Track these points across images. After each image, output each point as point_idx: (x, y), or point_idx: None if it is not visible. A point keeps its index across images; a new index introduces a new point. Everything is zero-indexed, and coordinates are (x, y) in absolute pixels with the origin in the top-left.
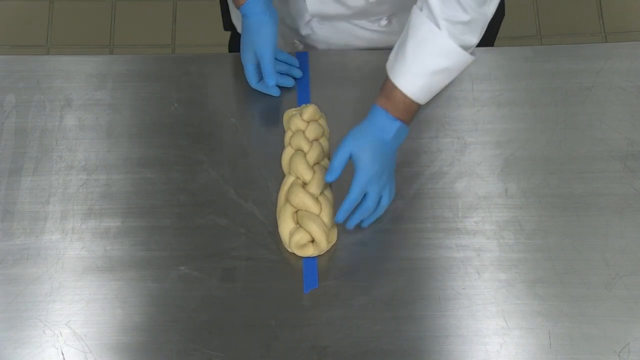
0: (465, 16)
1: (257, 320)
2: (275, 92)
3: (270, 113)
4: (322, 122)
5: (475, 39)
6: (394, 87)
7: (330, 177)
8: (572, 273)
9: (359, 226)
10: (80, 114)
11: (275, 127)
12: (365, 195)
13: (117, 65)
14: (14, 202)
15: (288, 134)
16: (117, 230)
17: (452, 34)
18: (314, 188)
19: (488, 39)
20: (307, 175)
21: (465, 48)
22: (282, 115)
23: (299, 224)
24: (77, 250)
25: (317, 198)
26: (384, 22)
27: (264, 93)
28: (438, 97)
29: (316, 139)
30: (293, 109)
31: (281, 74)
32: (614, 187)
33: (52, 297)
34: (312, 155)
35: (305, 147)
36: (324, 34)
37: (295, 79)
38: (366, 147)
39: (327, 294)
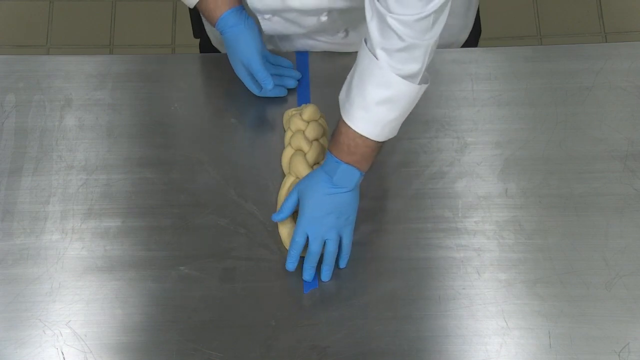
0: (401, 43)
1: (257, 320)
2: (280, 92)
3: (270, 113)
4: (322, 122)
5: (418, 65)
6: (341, 123)
7: (277, 217)
8: (572, 273)
9: (337, 266)
10: (80, 114)
11: (275, 127)
12: (308, 239)
13: (117, 65)
14: (14, 202)
15: (288, 134)
16: (117, 230)
17: (389, 63)
18: None
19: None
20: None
21: (408, 77)
22: (282, 115)
23: None
24: (77, 250)
25: None
26: (341, 34)
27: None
28: (438, 97)
29: (316, 139)
30: (293, 109)
31: (277, 75)
32: (614, 187)
33: (52, 297)
34: (312, 155)
35: (305, 147)
36: (290, 46)
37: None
38: (309, 191)
39: (327, 294)
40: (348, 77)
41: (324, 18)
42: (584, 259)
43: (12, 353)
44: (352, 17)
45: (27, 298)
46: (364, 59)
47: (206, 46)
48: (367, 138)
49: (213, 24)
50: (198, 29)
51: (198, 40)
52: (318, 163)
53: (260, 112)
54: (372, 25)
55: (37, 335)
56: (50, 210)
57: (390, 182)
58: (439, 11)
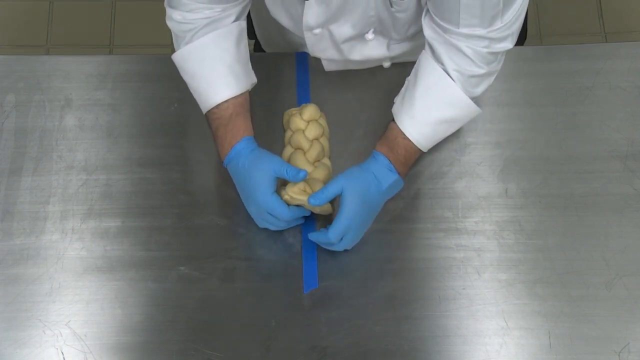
0: (479, 70)
1: (257, 320)
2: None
3: (270, 113)
4: (322, 121)
5: (482, 89)
6: (399, 134)
7: (314, 202)
8: (572, 273)
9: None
10: (80, 114)
11: (275, 127)
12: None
13: (117, 65)
14: (14, 202)
15: (288, 134)
16: (117, 230)
17: (464, 85)
18: (317, 177)
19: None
20: (307, 170)
21: (474, 99)
22: (282, 115)
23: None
24: (77, 250)
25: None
26: (386, 64)
27: (264, 93)
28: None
29: (316, 138)
30: (293, 109)
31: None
32: (614, 187)
33: (52, 297)
34: (312, 154)
35: (306, 146)
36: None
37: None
38: (357, 193)
39: (327, 294)
40: (407, 89)
41: (387, 64)
42: (584, 259)
43: (12, 353)
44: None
45: (27, 298)
46: (432, 76)
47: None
48: (420, 152)
49: (223, 157)
50: (251, 31)
51: None
52: (318, 161)
53: (260, 112)
54: (441, 50)
55: (37, 335)
56: (50, 210)
57: None
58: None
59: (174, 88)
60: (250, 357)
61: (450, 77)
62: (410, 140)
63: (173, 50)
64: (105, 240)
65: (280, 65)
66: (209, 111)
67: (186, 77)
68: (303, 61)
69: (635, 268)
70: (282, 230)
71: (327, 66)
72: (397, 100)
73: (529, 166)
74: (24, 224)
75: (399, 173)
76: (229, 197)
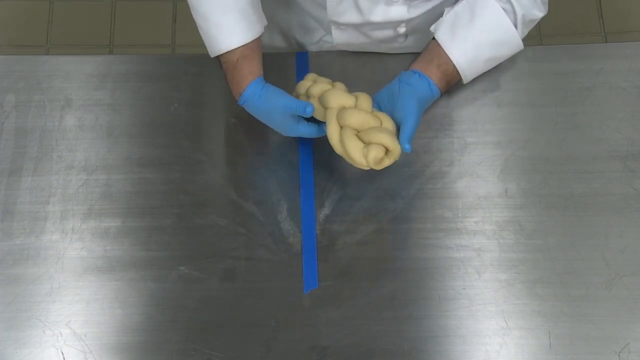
0: (539, 14)
1: (257, 320)
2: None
3: None
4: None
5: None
6: (449, 63)
7: (409, 147)
8: (572, 273)
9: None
10: (80, 114)
11: None
12: None
13: (117, 65)
14: (14, 202)
15: (302, 91)
16: (117, 230)
17: (521, 29)
18: (365, 105)
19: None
20: (350, 99)
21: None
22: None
23: (366, 142)
24: (77, 250)
25: (371, 113)
26: (401, 39)
27: None
28: (438, 97)
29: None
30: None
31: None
32: (614, 187)
33: (52, 297)
34: (342, 87)
35: (329, 86)
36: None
37: (296, 77)
38: (423, 100)
39: (327, 294)
40: (460, 20)
41: (401, 30)
42: (584, 259)
43: (12, 353)
44: (419, 23)
45: (27, 298)
46: (491, 14)
47: None
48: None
49: (238, 95)
50: None
51: (197, 40)
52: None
53: None
54: None
55: (37, 335)
56: (50, 210)
57: (390, 182)
58: None
59: (174, 88)
60: (250, 357)
61: (513, 16)
62: (458, 72)
63: (173, 51)
64: (105, 240)
65: (280, 65)
66: (218, 55)
67: (198, 19)
68: (303, 61)
69: (635, 268)
70: (282, 230)
71: (338, 38)
72: (444, 27)
73: (529, 166)
74: (24, 224)
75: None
76: (229, 197)
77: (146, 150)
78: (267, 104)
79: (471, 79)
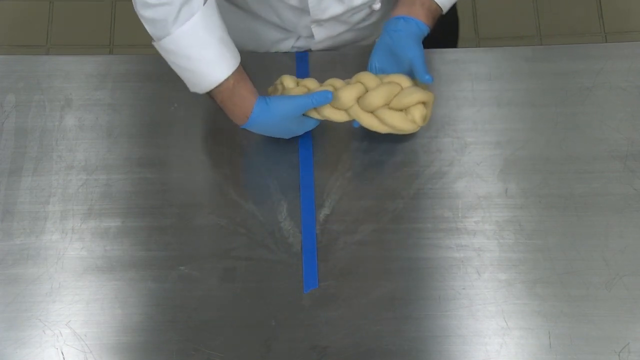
0: None
1: (257, 320)
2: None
3: None
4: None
5: None
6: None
7: (431, 77)
8: (572, 273)
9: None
10: (80, 114)
11: None
12: None
13: (117, 65)
14: (14, 202)
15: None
16: (117, 230)
17: None
18: (372, 82)
19: (450, 38)
20: (359, 88)
21: None
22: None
23: (403, 109)
24: (77, 250)
25: (383, 82)
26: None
27: (264, 93)
28: (438, 97)
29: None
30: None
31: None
32: (614, 187)
33: (52, 297)
34: (315, 83)
35: (311, 86)
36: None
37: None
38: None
39: (327, 294)
40: None
41: (377, 5)
42: (584, 259)
43: (12, 353)
44: None
45: (27, 298)
46: None
47: None
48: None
49: (250, 106)
50: None
51: None
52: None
53: None
54: None
55: (37, 335)
56: (50, 210)
57: (390, 182)
58: None
59: (174, 88)
60: (250, 357)
61: None
62: (438, 5)
63: None
64: (105, 240)
65: (281, 65)
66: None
67: (179, 61)
68: (303, 61)
69: (635, 268)
70: (282, 230)
71: (319, 34)
72: None
73: (529, 166)
74: (24, 224)
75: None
76: (229, 197)
77: (146, 150)
78: (279, 113)
79: (449, 8)
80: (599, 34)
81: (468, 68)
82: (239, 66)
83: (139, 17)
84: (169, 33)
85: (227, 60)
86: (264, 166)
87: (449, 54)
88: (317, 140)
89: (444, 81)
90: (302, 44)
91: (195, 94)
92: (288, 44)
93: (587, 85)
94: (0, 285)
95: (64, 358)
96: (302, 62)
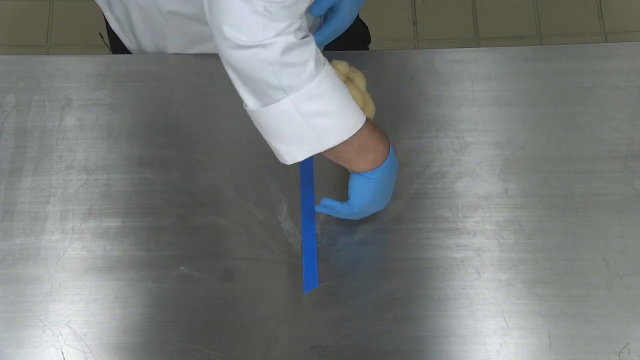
0: None
1: (257, 320)
2: None
3: None
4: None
5: None
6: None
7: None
8: (572, 273)
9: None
10: (80, 114)
11: None
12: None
13: (117, 65)
14: (14, 202)
15: None
16: (117, 230)
17: None
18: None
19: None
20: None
21: None
22: None
23: None
24: (77, 250)
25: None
26: None
27: None
28: (438, 97)
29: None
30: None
31: None
32: (614, 187)
33: (52, 297)
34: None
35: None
36: None
37: None
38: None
39: (327, 294)
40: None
41: None
42: (584, 259)
43: (12, 353)
44: None
45: (27, 298)
46: None
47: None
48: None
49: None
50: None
51: None
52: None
53: None
54: None
55: (37, 335)
56: (50, 210)
57: None
58: None
59: (174, 88)
60: (250, 357)
61: None
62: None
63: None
64: (105, 240)
65: None
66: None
67: (321, 107)
68: None
69: (635, 268)
70: (282, 230)
71: None
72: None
73: (529, 166)
74: (24, 224)
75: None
76: (229, 197)
77: (146, 150)
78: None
79: None
80: (599, 34)
81: (468, 68)
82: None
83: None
84: (314, 77)
85: (357, 110)
86: (264, 166)
87: (449, 54)
88: None
89: (444, 81)
90: None
91: (195, 94)
92: None
93: (587, 85)
94: (0, 285)
95: (64, 358)
96: None
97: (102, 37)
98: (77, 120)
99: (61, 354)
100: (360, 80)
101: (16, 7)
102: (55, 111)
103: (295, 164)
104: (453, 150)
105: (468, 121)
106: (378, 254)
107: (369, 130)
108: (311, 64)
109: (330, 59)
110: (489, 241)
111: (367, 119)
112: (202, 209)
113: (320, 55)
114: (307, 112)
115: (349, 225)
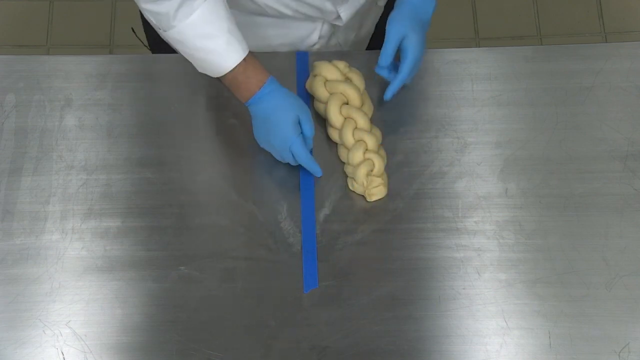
0: None
1: (257, 320)
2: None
3: None
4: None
5: None
6: None
7: (385, 62)
8: (572, 273)
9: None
10: (80, 114)
11: None
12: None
13: (117, 65)
14: (14, 202)
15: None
16: (117, 230)
17: None
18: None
19: None
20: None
21: None
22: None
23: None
24: (77, 250)
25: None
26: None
27: None
28: (438, 97)
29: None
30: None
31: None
32: (614, 187)
33: (52, 297)
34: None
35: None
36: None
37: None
38: (414, 32)
39: (327, 294)
40: None
41: None
42: (584, 259)
43: (12, 353)
44: None
45: (27, 298)
46: None
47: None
48: None
49: (249, 97)
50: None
51: None
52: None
53: None
54: None
55: (37, 335)
56: (50, 210)
57: (390, 182)
58: None
59: (174, 88)
60: (250, 357)
61: None
62: None
63: (173, 51)
64: (105, 240)
65: (280, 65)
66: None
67: (186, 50)
68: (303, 61)
69: (635, 268)
70: (282, 230)
71: (345, 13)
72: None
73: (529, 166)
74: (24, 224)
75: None
76: (229, 197)
77: (146, 150)
78: (285, 101)
79: None
80: (599, 34)
81: (468, 68)
82: (248, 55)
83: (141, 10)
84: (173, 26)
85: (236, 51)
86: (264, 166)
87: (449, 54)
88: (317, 140)
89: (444, 81)
90: (326, 31)
91: (195, 94)
92: (314, 37)
93: (587, 85)
94: (0, 285)
95: (64, 358)
96: (302, 62)
97: (134, 32)
98: (77, 120)
99: (61, 354)
100: (359, 80)
101: (16, 7)
102: (55, 111)
103: (296, 165)
104: (453, 150)
105: (468, 121)
106: (378, 254)
107: (238, 72)
108: (168, 16)
109: (330, 59)
110: (489, 241)
111: (239, 69)
112: (202, 209)
113: (186, 7)
114: (176, 47)
115: (349, 225)
